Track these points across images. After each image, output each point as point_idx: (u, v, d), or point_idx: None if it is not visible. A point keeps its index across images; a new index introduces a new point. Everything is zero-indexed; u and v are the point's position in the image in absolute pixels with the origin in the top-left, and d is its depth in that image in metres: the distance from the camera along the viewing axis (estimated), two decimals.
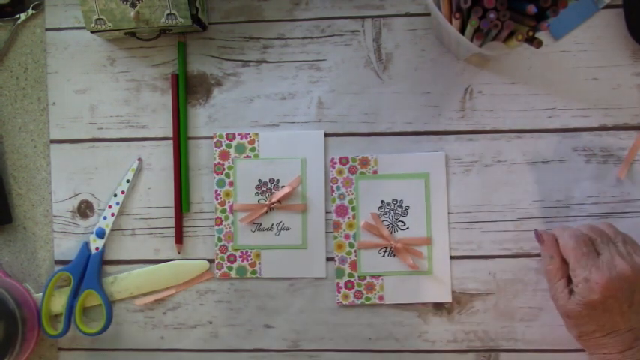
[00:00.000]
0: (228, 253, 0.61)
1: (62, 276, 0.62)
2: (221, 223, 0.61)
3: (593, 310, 0.49)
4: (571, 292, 0.51)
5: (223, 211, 0.61)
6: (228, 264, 0.61)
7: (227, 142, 0.61)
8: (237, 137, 0.61)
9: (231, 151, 0.61)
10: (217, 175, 0.61)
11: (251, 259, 0.61)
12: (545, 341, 0.59)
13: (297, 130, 0.61)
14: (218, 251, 0.61)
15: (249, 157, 0.61)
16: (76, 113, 0.63)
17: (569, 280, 0.52)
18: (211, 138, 0.62)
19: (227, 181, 0.61)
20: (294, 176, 0.61)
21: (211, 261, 0.62)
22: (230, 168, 0.61)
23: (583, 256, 0.50)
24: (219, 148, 0.61)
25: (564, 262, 0.52)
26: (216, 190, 0.61)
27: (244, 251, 0.61)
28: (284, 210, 0.61)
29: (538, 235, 0.55)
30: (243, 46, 0.62)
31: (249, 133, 0.61)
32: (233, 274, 0.61)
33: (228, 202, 0.61)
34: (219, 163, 0.61)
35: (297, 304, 0.61)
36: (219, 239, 0.61)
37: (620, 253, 0.50)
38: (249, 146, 0.61)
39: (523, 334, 0.59)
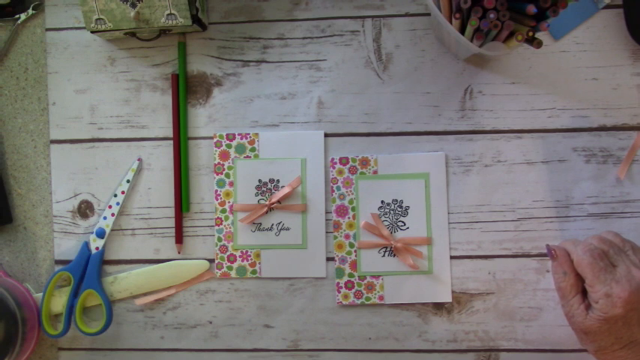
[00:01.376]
0: (228, 253, 0.61)
1: (62, 276, 0.62)
2: (221, 223, 0.61)
3: (614, 324, 0.48)
4: (587, 307, 0.50)
5: (223, 211, 0.61)
6: (228, 264, 0.61)
7: (227, 142, 0.61)
8: (237, 137, 0.61)
9: (231, 151, 0.61)
10: (217, 175, 0.61)
11: (251, 259, 0.61)
12: (545, 341, 0.59)
13: (297, 130, 0.61)
14: (218, 251, 0.61)
15: (250, 157, 0.61)
16: (76, 113, 0.63)
17: (583, 296, 0.51)
18: (211, 138, 0.62)
19: (227, 181, 0.61)
20: (294, 176, 0.61)
21: (211, 261, 0.62)
22: (230, 168, 0.61)
23: (601, 271, 0.49)
24: (219, 148, 0.61)
25: (578, 278, 0.51)
26: (216, 190, 0.61)
27: (244, 251, 0.61)
28: (284, 210, 0.61)
29: (550, 251, 0.53)
30: (243, 46, 0.62)
31: (249, 133, 0.61)
32: (233, 274, 0.61)
33: (228, 202, 0.61)
34: (219, 163, 0.61)
35: (297, 304, 0.61)
36: (220, 239, 0.61)
37: (634, 263, 0.49)
38: (249, 146, 0.61)
39: (523, 334, 0.59)
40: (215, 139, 0.61)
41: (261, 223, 0.61)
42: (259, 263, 0.61)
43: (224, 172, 0.61)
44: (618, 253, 0.50)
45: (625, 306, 0.47)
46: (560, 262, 0.52)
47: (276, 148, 0.61)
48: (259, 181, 0.61)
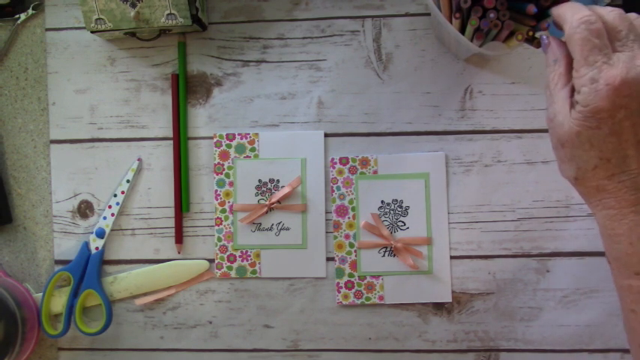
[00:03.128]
0: (228, 253, 0.61)
1: (62, 276, 0.62)
2: (221, 223, 0.61)
3: (597, 129, 0.37)
4: (573, 107, 0.38)
5: (223, 211, 0.61)
6: (228, 264, 0.61)
7: (227, 142, 0.61)
8: (237, 137, 0.61)
9: (231, 151, 0.61)
10: (217, 175, 0.61)
11: (251, 259, 0.61)
12: (545, 341, 0.59)
13: (297, 130, 0.61)
14: (218, 251, 0.61)
15: (249, 157, 0.61)
16: (76, 113, 0.63)
17: (572, 93, 0.39)
18: (211, 138, 0.62)
19: (227, 181, 0.61)
20: (294, 176, 0.61)
21: (211, 261, 0.62)
22: (230, 168, 0.61)
23: (593, 50, 0.36)
24: (219, 148, 0.61)
25: (570, 69, 0.39)
26: (216, 190, 0.61)
27: (244, 251, 0.61)
28: (284, 210, 0.61)
29: (545, 42, 0.41)
30: (243, 46, 0.62)
31: (249, 133, 0.61)
32: (233, 274, 0.61)
33: (228, 202, 0.61)
34: (219, 163, 0.61)
35: (297, 304, 0.61)
36: (219, 239, 0.61)
37: None
38: (249, 146, 0.61)
39: (523, 334, 0.59)
40: (215, 139, 0.61)
41: (261, 223, 0.61)
42: (259, 263, 0.61)
43: (224, 172, 0.61)
44: (632, 39, 0.37)
45: (613, 96, 0.35)
46: (553, 49, 0.40)
47: (276, 148, 0.61)
48: (259, 181, 0.61)
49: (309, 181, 0.61)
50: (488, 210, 0.60)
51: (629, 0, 0.58)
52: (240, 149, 0.61)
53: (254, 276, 0.61)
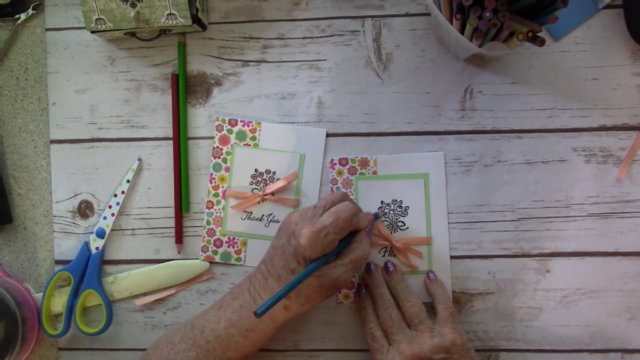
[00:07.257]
0: (215, 238, 0.61)
1: (62, 276, 0.62)
2: (212, 207, 0.61)
3: None
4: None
5: (216, 194, 0.61)
6: (214, 248, 0.61)
7: (229, 127, 0.61)
8: (240, 124, 0.61)
9: (232, 136, 0.61)
10: (215, 158, 0.61)
11: (237, 247, 0.61)
12: (545, 341, 0.59)
13: None
14: (205, 234, 0.61)
15: (249, 145, 0.61)
16: (76, 113, 0.63)
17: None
18: (211, 138, 0.62)
19: (223, 166, 0.61)
20: (290, 170, 0.61)
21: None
22: (228, 153, 0.61)
23: (376, 353, 0.55)
24: (220, 132, 0.61)
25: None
26: (211, 174, 0.61)
27: (231, 237, 0.61)
28: (277, 202, 0.61)
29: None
30: (243, 46, 0.62)
31: (251, 121, 0.61)
32: (217, 258, 0.61)
33: (222, 186, 0.61)
34: (218, 147, 0.61)
35: None
36: (208, 222, 0.61)
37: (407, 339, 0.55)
38: (251, 134, 0.61)
39: (523, 334, 0.59)
40: (217, 123, 0.61)
41: (252, 212, 0.61)
42: (245, 251, 0.61)
43: (222, 157, 0.61)
44: (396, 330, 0.55)
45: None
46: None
47: (277, 139, 0.61)
48: (255, 170, 0.61)
49: (305, 177, 0.61)
50: (488, 210, 0.60)
51: (629, 0, 0.58)
52: (241, 136, 0.61)
53: (238, 263, 0.61)
